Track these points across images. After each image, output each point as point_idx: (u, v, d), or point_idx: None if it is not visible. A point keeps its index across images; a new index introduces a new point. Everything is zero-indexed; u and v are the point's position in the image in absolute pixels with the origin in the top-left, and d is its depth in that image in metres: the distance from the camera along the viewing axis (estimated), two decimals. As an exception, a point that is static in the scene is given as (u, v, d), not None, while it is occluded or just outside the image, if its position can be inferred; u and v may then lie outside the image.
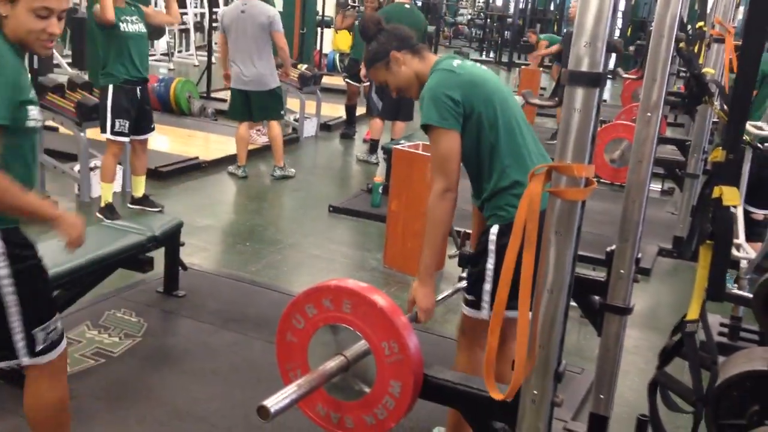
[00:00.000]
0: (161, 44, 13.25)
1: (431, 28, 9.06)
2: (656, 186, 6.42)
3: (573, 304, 1.68)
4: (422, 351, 1.79)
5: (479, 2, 24.47)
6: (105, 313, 3.49)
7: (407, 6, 6.65)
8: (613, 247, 2.33)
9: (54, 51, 4.97)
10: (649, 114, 2.27)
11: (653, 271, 4.71)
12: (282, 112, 6.55)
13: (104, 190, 4.95)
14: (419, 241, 4.27)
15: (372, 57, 2.42)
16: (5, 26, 1.86)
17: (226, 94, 9.75)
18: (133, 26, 4.75)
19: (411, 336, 1.75)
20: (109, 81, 4.75)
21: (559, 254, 1.51)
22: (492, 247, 2.28)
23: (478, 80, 2.28)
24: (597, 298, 2.36)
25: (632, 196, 2.31)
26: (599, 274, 2.41)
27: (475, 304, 2.34)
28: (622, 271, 2.30)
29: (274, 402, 1.58)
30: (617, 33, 15.95)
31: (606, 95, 11.36)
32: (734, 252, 2.70)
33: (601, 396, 2.40)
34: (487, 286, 2.30)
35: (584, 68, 1.44)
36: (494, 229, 2.28)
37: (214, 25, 11.29)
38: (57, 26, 1.91)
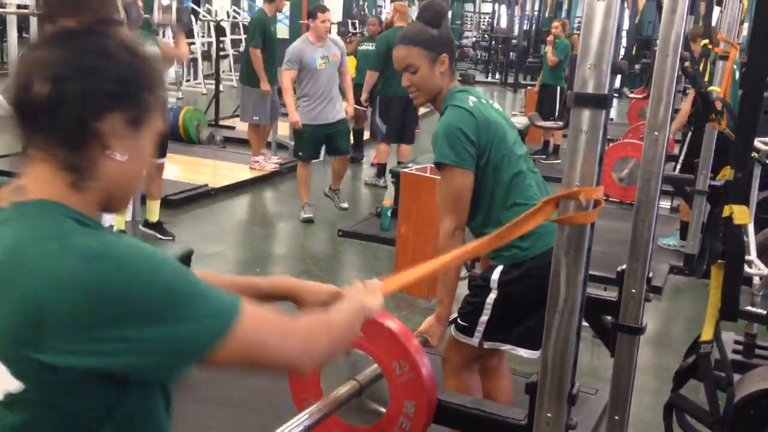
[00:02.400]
0: (170, 73, 13.37)
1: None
2: (665, 203, 6.40)
3: (585, 324, 1.67)
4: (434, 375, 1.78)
5: (483, 24, 24.63)
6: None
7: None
8: (624, 266, 2.32)
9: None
10: (656, 133, 2.26)
11: (665, 289, 4.67)
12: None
13: (117, 220, 4.97)
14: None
15: (426, 41, 2.29)
16: (98, 181, 0.96)
17: (234, 122, 9.88)
18: (148, 49, 4.82)
19: (422, 356, 1.75)
20: None
21: (570, 276, 1.50)
22: (494, 285, 2.31)
23: (492, 125, 2.27)
24: (609, 318, 2.34)
25: (642, 215, 2.30)
26: (610, 294, 2.40)
27: (468, 331, 2.37)
28: (633, 290, 2.29)
29: None
30: (622, 51, 16.00)
31: (612, 113, 11.37)
32: (746, 268, 2.68)
33: (616, 417, 2.38)
34: (484, 318, 2.33)
35: (590, 90, 1.45)
36: (499, 269, 2.31)
37: (221, 53, 11.42)
38: None
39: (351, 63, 11.21)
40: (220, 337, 0.92)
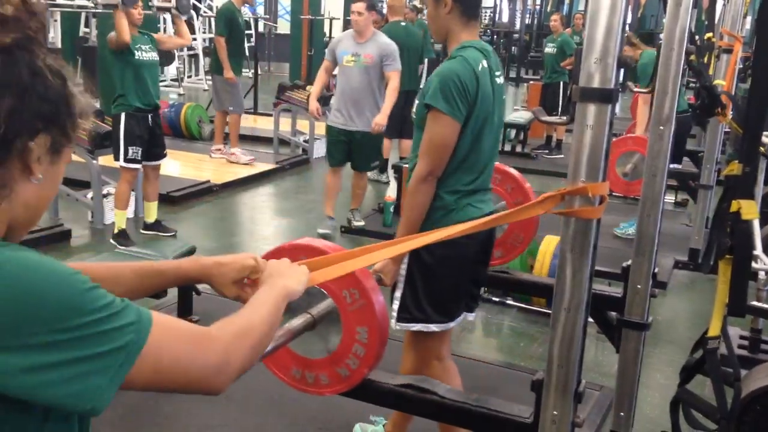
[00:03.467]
0: (171, 70, 13.37)
1: (438, 47, 9.06)
2: (670, 198, 6.37)
3: (589, 320, 1.66)
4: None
5: (485, 19, 24.57)
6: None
7: (402, 23, 6.70)
8: (629, 262, 2.31)
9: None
10: (661, 127, 2.25)
11: (670, 284, 4.66)
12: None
13: (117, 217, 4.97)
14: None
15: None
16: (8, 202, 0.91)
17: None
18: (147, 54, 4.81)
19: (370, 281, 1.76)
20: (122, 109, 4.80)
21: (576, 273, 1.49)
22: (404, 260, 2.30)
23: (488, 96, 2.25)
24: (614, 313, 2.33)
25: (647, 210, 2.29)
26: (615, 290, 2.39)
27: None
28: (639, 286, 2.28)
29: None
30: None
31: (616, 107, 11.34)
32: (752, 263, 2.67)
33: (622, 413, 2.37)
34: (398, 293, 2.35)
35: (595, 84, 1.43)
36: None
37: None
38: None
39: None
40: (134, 356, 0.84)
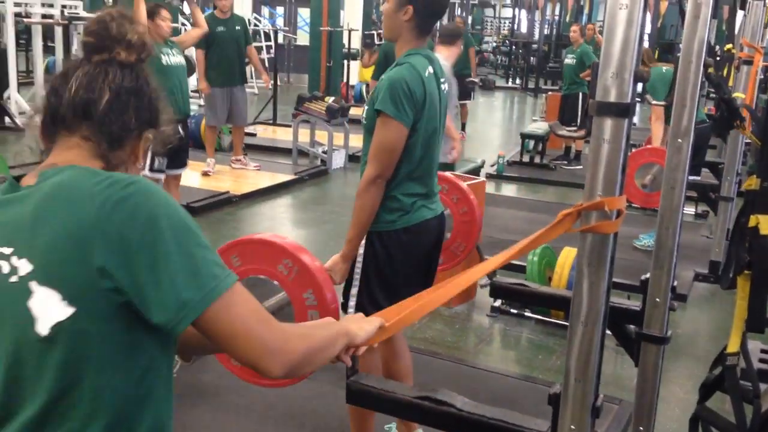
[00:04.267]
0: (191, 81, 13.48)
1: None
2: (690, 210, 6.32)
3: (608, 332, 1.65)
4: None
5: (504, 30, 24.58)
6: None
7: None
8: (648, 274, 2.29)
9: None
10: (679, 140, 2.24)
11: (690, 297, 4.62)
12: None
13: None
14: (450, 271, 4.25)
15: None
16: None
17: (255, 129, 9.94)
18: (174, 58, 4.87)
19: (298, 248, 1.83)
20: None
21: (593, 286, 1.49)
22: (359, 257, 2.41)
23: (435, 101, 2.36)
24: (633, 327, 2.32)
25: (666, 222, 2.28)
26: (634, 303, 2.37)
27: (343, 307, 2.43)
28: (657, 299, 2.26)
29: None
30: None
31: (635, 119, 11.30)
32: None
33: (641, 428, 2.35)
34: (354, 290, 2.43)
35: (612, 99, 1.43)
36: (363, 241, 2.40)
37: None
38: None
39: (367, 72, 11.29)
40: (216, 293, 1.01)
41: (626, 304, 2.41)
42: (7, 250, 1.02)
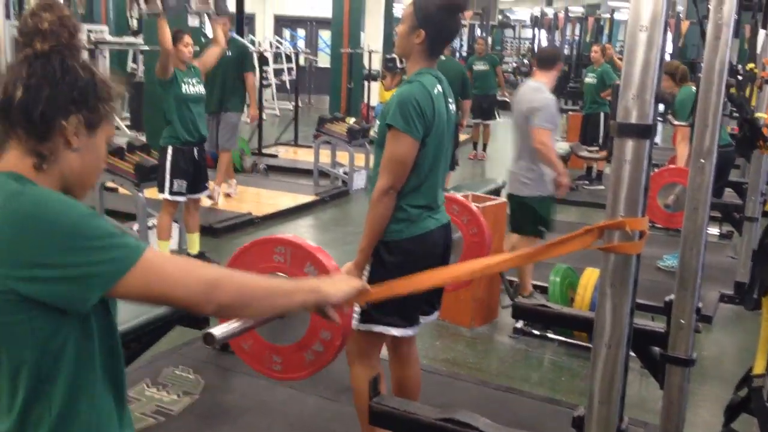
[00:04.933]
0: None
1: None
2: (714, 230, 6.26)
3: (632, 354, 1.64)
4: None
5: (523, 50, 24.62)
6: (163, 371, 3.54)
7: (442, 58, 6.71)
8: (672, 296, 2.27)
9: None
10: (702, 161, 2.23)
11: (715, 319, 4.56)
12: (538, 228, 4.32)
13: (161, 248, 5.06)
14: (471, 292, 4.25)
15: (420, 8, 2.43)
16: (57, 167, 1.20)
17: (277, 150, 10.02)
18: (193, 88, 4.91)
19: (323, 253, 1.87)
20: (170, 142, 4.88)
21: (616, 308, 1.48)
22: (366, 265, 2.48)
23: (443, 118, 2.44)
24: (657, 349, 2.29)
25: (689, 243, 2.27)
26: (658, 324, 2.35)
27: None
28: (682, 320, 2.24)
29: (221, 332, 1.58)
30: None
31: (657, 138, 11.24)
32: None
33: (667, 452, 2.32)
34: None
35: (633, 120, 1.44)
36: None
37: (263, 83, 11.61)
38: None
39: (389, 95, 11.36)
40: (124, 269, 1.10)
41: (650, 326, 2.39)
42: None
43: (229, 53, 6.44)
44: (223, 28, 5.84)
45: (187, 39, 4.94)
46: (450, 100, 2.54)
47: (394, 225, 2.45)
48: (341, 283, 1.45)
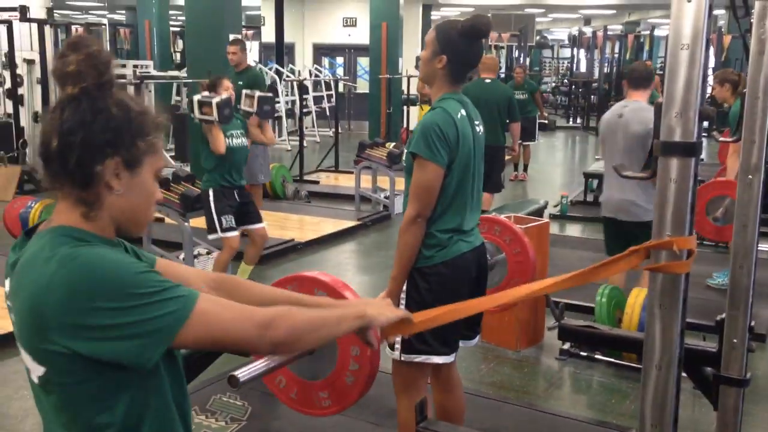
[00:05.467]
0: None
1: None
2: (765, 246, 6.10)
3: (683, 375, 1.61)
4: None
5: (562, 69, 24.51)
6: (212, 398, 3.58)
7: (487, 81, 6.71)
8: (724, 314, 2.23)
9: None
10: (750, 177, 2.20)
11: (770, 337, 4.44)
12: None
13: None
14: (516, 314, 4.21)
15: (441, 33, 2.45)
16: (106, 212, 1.19)
17: (318, 176, 10.13)
18: (237, 140, 4.93)
19: (348, 291, 1.91)
20: (210, 185, 4.91)
21: (665, 329, 1.46)
22: (402, 294, 2.48)
23: (468, 141, 2.45)
24: (710, 369, 2.25)
25: (739, 261, 2.22)
26: (710, 344, 2.30)
27: (390, 346, 2.48)
28: (735, 340, 2.19)
29: (243, 373, 1.56)
30: (708, 90, 15.57)
31: (702, 154, 11.04)
32: None
33: (723, 475, 2.26)
34: None
35: (677, 138, 1.43)
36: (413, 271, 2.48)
37: (304, 110, 11.77)
38: None
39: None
40: (181, 321, 1.11)
41: (702, 346, 2.34)
42: (10, 304, 1.18)
43: (240, 82, 6.43)
44: (230, 58, 6.00)
45: (226, 83, 4.99)
46: (477, 122, 2.54)
47: (426, 251, 2.45)
48: (386, 308, 1.44)
